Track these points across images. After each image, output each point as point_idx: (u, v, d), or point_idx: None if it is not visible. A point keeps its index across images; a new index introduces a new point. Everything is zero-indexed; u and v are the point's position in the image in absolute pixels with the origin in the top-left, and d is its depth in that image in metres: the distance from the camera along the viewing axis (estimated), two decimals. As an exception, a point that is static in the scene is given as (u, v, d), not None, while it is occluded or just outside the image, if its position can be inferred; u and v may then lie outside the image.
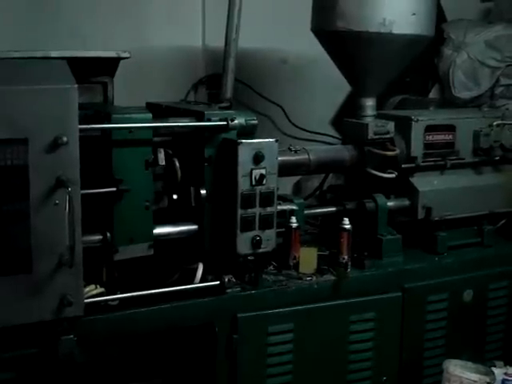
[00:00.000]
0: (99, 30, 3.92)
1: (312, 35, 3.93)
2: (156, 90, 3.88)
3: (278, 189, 2.81)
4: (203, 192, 2.77)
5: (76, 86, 2.36)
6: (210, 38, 4.30)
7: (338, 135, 4.65)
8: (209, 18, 4.29)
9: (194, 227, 2.80)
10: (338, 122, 4.75)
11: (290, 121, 4.44)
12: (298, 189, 4.36)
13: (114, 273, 2.72)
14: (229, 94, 3.25)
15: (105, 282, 2.66)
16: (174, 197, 2.80)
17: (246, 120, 2.82)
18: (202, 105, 3.09)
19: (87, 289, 2.56)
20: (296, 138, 4.39)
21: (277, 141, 2.78)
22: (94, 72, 3.03)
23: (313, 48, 4.24)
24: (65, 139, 2.30)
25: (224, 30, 4.09)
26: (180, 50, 4.25)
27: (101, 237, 2.61)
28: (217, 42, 4.24)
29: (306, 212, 3.18)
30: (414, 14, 3.14)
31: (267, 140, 2.76)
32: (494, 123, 3.52)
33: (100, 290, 2.63)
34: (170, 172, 2.77)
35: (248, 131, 2.84)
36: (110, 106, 2.88)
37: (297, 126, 4.44)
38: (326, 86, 4.61)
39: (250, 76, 4.30)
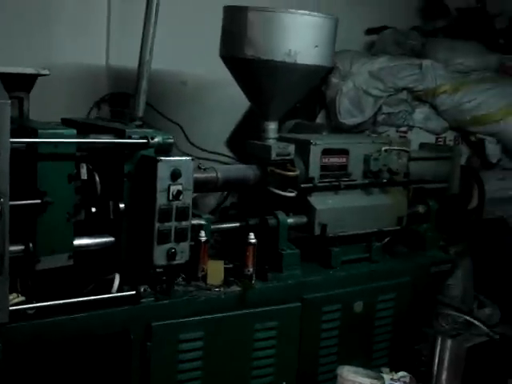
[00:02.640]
0: (6, 46, 3.96)
1: (211, 59, 4.15)
2: (57, 107, 3.97)
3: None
4: (122, 206, 2.90)
5: (9, 101, 2.46)
6: (113, 56, 4.42)
7: (232, 155, 4.88)
8: (113, 38, 4.41)
9: (112, 239, 2.93)
10: (232, 142, 4.98)
11: (188, 140, 4.61)
12: (194, 205, 4.53)
13: (30, 282, 2.80)
14: (141, 113, 3.39)
15: (25, 291, 2.74)
16: (93, 210, 2.92)
17: (163, 138, 2.97)
18: (117, 123, 3.21)
19: (10, 297, 2.64)
20: (194, 156, 4.55)
21: (193, 159, 2.96)
22: (10, 87, 3.09)
23: (211, 71, 4.50)
24: (-3, 152, 2.40)
25: (128, 49, 4.26)
26: (84, 67, 4.35)
27: (23, 247, 2.69)
28: (120, 61, 4.42)
29: (212, 227, 3.36)
30: (316, 46, 3.39)
31: (184, 158, 2.94)
32: (383, 148, 3.80)
33: (21, 298, 2.71)
34: (89, 186, 2.89)
35: (164, 149, 2.99)
36: (33, 121, 2.96)
37: (195, 146, 4.62)
38: (223, 108, 4.84)
39: (151, 95, 4.44)
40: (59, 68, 4.20)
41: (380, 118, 5.10)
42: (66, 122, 3.15)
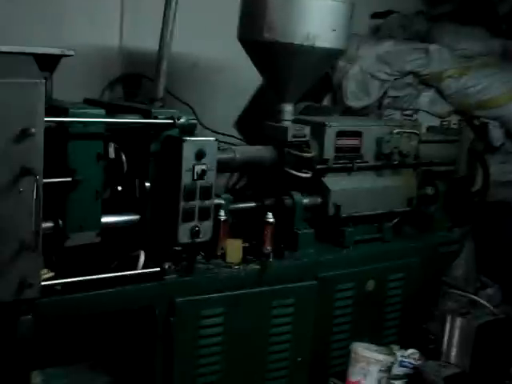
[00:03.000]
0: (19, 26, 4.00)
1: (222, 41, 4.22)
2: (70, 87, 4.01)
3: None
4: (147, 184, 2.97)
5: (44, 80, 2.52)
6: (127, 37, 4.46)
7: (240, 137, 4.94)
8: (126, 18, 4.45)
9: (137, 217, 3.00)
10: (241, 124, 5.04)
11: (199, 121, 4.65)
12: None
13: (59, 259, 2.87)
14: (161, 94, 3.45)
15: (54, 268, 2.81)
16: (119, 188, 2.99)
17: (187, 119, 3.03)
18: (141, 104, 3.27)
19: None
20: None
21: (216, 140, 3.03)
22: (35, 67, 3.15)
23: (222, 53, 4.56)
24: (33, 130, 2.46)
25: (141, 30, 4.32)
26: (97, 48, 4.38)
27: (53, 224, 2.76)
28: (134, 41, 4.47)
29: (230, 207, 3.43)
30: (334, 29, 3.46)
31: (209, 139, 3.01)
32: (394, 131, 3.88)
33: (50, 274, 2.78)
34: (116, 165, 2.96)
35: (189, 129, 3.06)
36: (60, 101, 3.01)
37: (206, 127, 4.67)
38: (232, 90, 4.89)
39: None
40: (72, 48, 4.27)
41: (386, 101, 5.17)
42: (89, 102, 3.21)
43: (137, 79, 4.42)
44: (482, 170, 4.75)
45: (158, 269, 3.00)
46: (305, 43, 3.41)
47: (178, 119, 2.95)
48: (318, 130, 3.63)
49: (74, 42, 4.23)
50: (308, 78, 3.67)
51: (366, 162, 3.82)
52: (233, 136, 4.89)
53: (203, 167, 2.96)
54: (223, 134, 4.79)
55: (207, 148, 2.97)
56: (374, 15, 5.60)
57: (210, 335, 3.14)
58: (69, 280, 2.79)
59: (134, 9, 4.45)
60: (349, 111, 5.10)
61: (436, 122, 5.01)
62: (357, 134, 3.78)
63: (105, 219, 2.90)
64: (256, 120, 3.96)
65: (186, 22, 4.45)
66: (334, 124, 3.67)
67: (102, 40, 4.41)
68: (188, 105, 4.66)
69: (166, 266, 3.01)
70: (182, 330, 3.05)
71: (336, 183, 3.68)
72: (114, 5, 4.43)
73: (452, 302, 4.26)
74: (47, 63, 3.19)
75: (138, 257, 2.98)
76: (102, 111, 2.83)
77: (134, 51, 4.47)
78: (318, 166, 3.63)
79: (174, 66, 4.60)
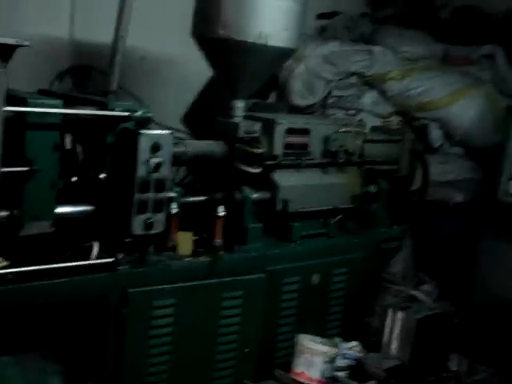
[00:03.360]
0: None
1: (170, 35, 4.27)
2: (18, 78, 4.00)
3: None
4: (102, 176, 3.00)
5: (5, 70, 2.53)
6: (77, 29, 4.45)
7: (188, 131, 4.98)
8: (78, 11, 4.44)
9: (92, 208, 3.03)
10: (188, 118, 5.08)
11: (148, 115, 4.68)
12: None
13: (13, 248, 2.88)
14: (114, 86, 3.48)
15: (8, 257, 2.82)
16: (74, 179, 3.01)
17: (143, 112, 3.08)
18: (95, 96, 3.29)
19: (-5, 261, 2.73)
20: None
21: (172, 133, 3.08)
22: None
23: (170, 48, 4.60)
24: (-8, 120, 2.47)
25: (92, 23, 4.33)
26: (47, 39, 4.36)
27: (8, 213, 2.77)
28: (84, 34, 4.47)
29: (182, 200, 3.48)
30: (286, 29, 3.54)
31: (164, 132, 3.07)
32: (341, 130, 3.99)
33: (5, 262, 2.79)
34: (72, 156, 2.98)
35: (144, 122, 3.10)
36: (17, 91, 3.01)
37: (154, 121, 4.69)
38: (179, 84, 4.92)
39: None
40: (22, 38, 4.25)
41: (330, 100, 5.28)
42: (44, 93, 3.22)
43: (87, 71, 4.41)
44: (421, 170, 4.90)
45: (112, 259, 3.03)
46: (258, 41, 3.48)
47: (134, 112, 2.98)
48: (268, 127, 3.72)
49: (23, 31, 4.23)
50: (260, 76, 3.74)
51: (314, 160, 3.92)
52: (182, 130, 4.93)
53: (158, 160, 3.01)
54: (171, 129, 4.83)
55: (162, 141, 3.02)
56: (320, 16, 5.70)
57: (161, 325, 3.19)
58: (22, 269, 2.80)
59: (85, 1, 4.45)
60: (294, 109, 5.19)
61: (378, 123, 5.15)
62: (305, 132, 3.87)
63: (59, 209, 2.92)
64: (205, 115, 4.01)
65: (134, 15, 4.50)
66: (284, 121, 3.76)
67: (52, 31, 4.39)
68: (137, 98, 4.69)
69: (119, 257, 3.04)
70: (133, 320, 3.09)
71: (284, 179, 3.77)
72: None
73: (391, 297, 4.40)
74: (2, 53, 3.18)
75: (91, 247, 3.01)
76: (60, 102, 2.85)
77: (84, 43, 4.46)
78: (268, 162, 3.71)
79: (122, 59, 4.64)
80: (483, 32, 5.61)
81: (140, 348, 3.14)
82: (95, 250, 3.01)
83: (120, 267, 3.06)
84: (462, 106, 5.12)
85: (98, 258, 3.02)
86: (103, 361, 3.08)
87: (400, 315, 3.78)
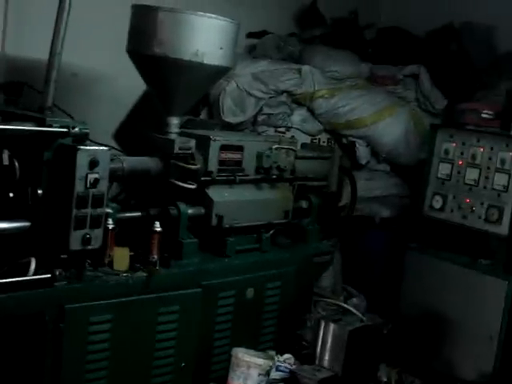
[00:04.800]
0: None
1: (102, 52, 4.29)
2: None
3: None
4: (40, 192, 3.01)
5: None
6: (9, 45, 4.42)
7: (119, 148, 4.98)
8: (9, 26, 4.41)
9: (28, 224, 3.03)
10: (120, 135, 5.09)
11: (79, 131, 4.67)
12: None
13: None
14: (50, 103, 3.47)
15: None
16: (11, 195, 3.00)
17: (81, 128, 3.10)
18: (31, 112, 3.28)
19: None
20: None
21: (109, 149, 3.11)
22: None
23: (102, 64, 4.62)
24: None
25: (24, 38, 4.31)
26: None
27: None
28: (16, 50, 4.44)
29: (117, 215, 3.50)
30: (221, 48, 3.62)
31: (102, 148, 3.10)
32: (273, 147, 4.08)
33: None
34: (9, 171, 2.97)
35: (81, 138, 3.12)
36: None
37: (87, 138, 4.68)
38: (111, 101, 4.93)
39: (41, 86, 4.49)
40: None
41: (260, 118, 5.36)
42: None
43: (18, 87, 4.38)
44: (349, 186, 5.04)
45: (49, 275, 3.03)
46: (193, 59, 3.54)
47: (73, 128, 3.00)
48: (203, 144, 3.78)
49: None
50: (196, 93, 3.81)
51: (247, 176, 4.00)
52: (114, 147, 4.93)
53: (96, 176, 3.03)
54: (101, 145, 4.83)
55: (100, 157, 3.05)
56: (250, 35, 5.78)
57: (98, 341, 3.20)
58: (-42, 286, 2.78)
59: (18, 17, 4.43)
60: (225, 126, 5.25)
61: (307, 140, 5.27)
62: (239, 149, 3.95)
63: (-5, 225, 2.91)
64: (138, 131, 4.04)
65: (67, 31, 4.51)
66: (218, 138, 3.83)
67: (-18, 47, 4.36)
68: (69, 115, 4.68)
69: (57, 273, 3.04)
70: (70, 336, 3.09)
71: (219, 195, 3.83)
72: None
73: (321, 311, 4.52)
74: None
75: (28, 263, 3.00)
76: (-3, 118, 2.84)
77: (16, 59, 4.44)
78: (203, 178, 3.77)
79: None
80: (407, 52, 5.80)
81: (77, 364, 3.14)
82: (32, 265, 3.00)
83: (57, 283, 3.06)
84: (388, 124, 5.29)
85: (35, 273, 3.01)
86: (40, 377, 3.06)
87: (332, 327, 3.86)
